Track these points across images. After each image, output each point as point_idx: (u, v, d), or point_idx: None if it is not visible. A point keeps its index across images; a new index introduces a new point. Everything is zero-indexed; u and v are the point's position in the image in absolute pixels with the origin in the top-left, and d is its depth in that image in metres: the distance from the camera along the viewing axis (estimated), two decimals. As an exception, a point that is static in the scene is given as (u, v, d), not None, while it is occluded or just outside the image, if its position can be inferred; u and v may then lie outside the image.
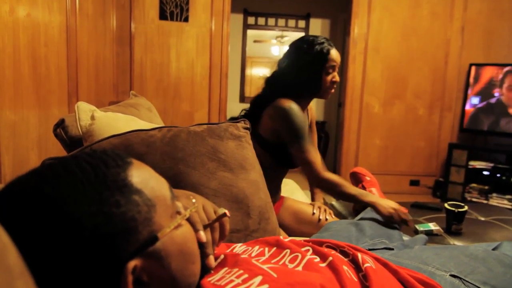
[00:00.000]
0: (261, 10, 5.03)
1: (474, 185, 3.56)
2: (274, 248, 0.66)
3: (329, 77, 1.47)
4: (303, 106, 1.52)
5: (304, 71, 1.45)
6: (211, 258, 0.59)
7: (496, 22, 3.81)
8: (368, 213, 1.31)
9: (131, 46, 3.52)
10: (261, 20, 5.11)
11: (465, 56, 3.84)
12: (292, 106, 1.40)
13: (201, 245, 0.58)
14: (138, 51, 3.55)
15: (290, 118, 1.39)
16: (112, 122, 1.08)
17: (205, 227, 0.60)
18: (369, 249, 0.93)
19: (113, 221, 0.43)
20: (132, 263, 0.44)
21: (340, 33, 4.90)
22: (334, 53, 1.47)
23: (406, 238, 1.25)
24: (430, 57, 3.86)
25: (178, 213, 0.52)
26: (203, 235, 0.58)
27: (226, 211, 0.63)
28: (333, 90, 1.51)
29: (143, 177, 0.49)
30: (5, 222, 0.39)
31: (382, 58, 3.85)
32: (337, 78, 1.48)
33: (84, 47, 2.68)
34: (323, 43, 1.46)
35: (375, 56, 3.85)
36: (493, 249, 0.97)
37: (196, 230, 0.57)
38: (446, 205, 1.50)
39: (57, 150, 1.30)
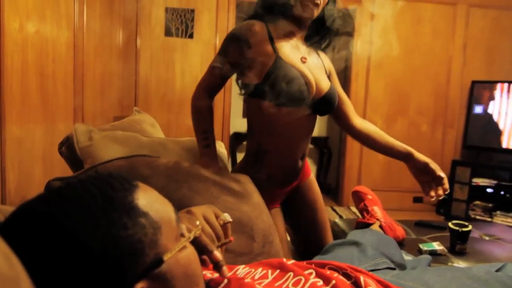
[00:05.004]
0: (265, 27, 5.09)
1: (478, 202, 3.53)
2: (278, 271, 0.66)
3: None
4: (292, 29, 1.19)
5: None
6: (225, 269, 0.60)
7: (498, 39, 3.84)
8: (368, 232, 1.31)
9: (137, 61, 3.57)
10: (265, 36, 5.16)
11: (467, 73, 3.86)
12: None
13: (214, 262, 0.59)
14: (144, 67, 3.59)
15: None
16: (110, 144, 1.09)
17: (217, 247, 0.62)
18: (371, 270, 0.92)
19: (121, 244, 0.44)
20: (139, 286, 0.44)
21: (343, 50, 4.95)
22: None
23: (409, 258, 1.25)
24: (432, 74, 3.88)
25: (182, 235, 0.53)
26: (218, 255, 0.59)
27: (229, 217, 0.66)
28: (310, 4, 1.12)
29: (149, 200, 0.49)
30: (16, 248, 0.39)
31: (385, 74, 3.87)
32: None
33: (91, 63, 2.72)
34: None
35: (378, 72, 3.88)
36: (497, 270, 0.97)
37: (209, 251, 0.58)
38: (450, 224, 1.49)
39: (62, 165, 1.31)
